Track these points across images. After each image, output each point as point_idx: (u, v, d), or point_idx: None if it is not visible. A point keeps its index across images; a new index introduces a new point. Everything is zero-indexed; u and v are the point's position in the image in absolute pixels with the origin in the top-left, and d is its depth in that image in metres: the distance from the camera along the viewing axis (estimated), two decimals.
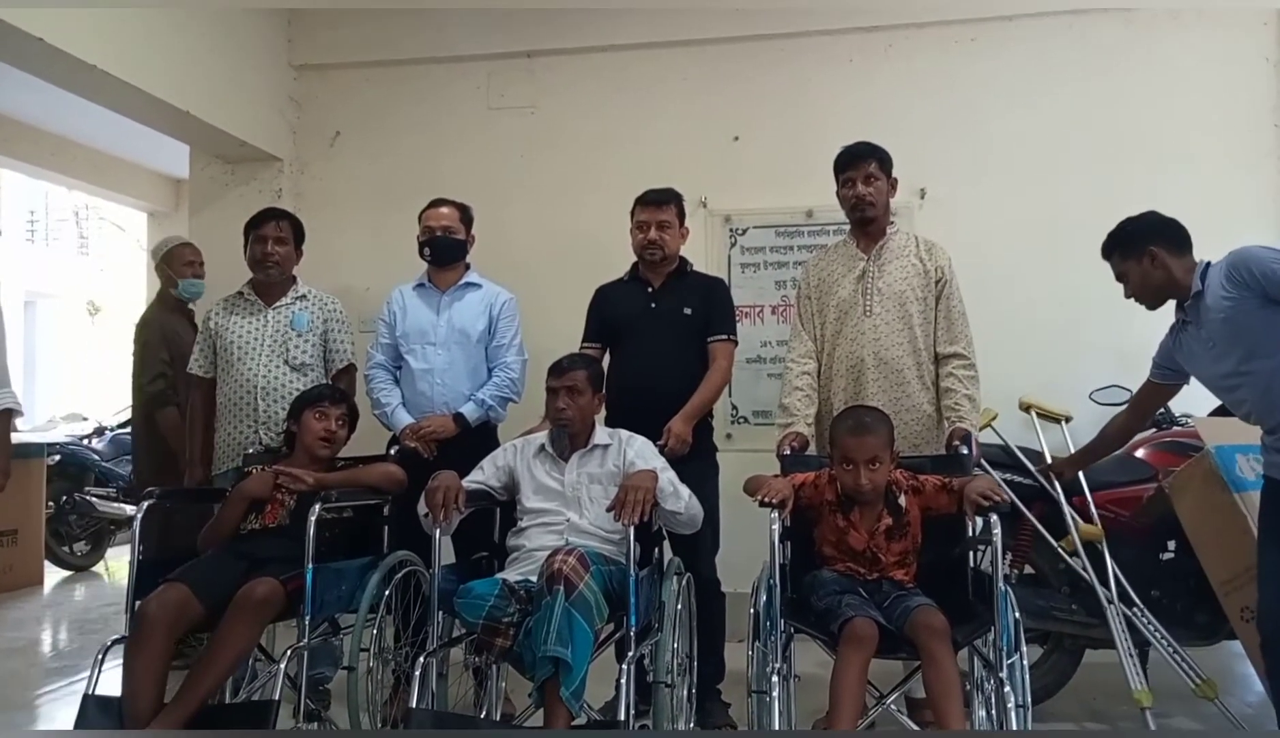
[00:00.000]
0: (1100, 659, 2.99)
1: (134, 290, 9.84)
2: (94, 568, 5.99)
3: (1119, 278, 2.61)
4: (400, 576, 2.64)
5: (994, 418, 3.20)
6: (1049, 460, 3.08)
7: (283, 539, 2.61)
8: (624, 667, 2.17)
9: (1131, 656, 2.84)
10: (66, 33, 3.28)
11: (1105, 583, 2.89)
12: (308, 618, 2.39)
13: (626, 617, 2.26)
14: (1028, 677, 2.21)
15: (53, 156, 6.48)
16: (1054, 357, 3.77)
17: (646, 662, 2.47)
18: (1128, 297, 2.61)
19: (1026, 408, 3.27)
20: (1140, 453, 3.20)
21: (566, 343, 3.12)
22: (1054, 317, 3.90)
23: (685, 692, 2.68)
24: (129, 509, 5.88)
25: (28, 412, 7.75)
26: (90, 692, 2.28)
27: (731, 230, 4.25)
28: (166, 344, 3.78)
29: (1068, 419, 3.29)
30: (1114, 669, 2.88)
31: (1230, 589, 2.72)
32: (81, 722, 2.25)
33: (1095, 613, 2.91)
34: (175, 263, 3.90)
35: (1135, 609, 2.88)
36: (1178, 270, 2.46)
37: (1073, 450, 3.05)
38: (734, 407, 4.16)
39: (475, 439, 3.09)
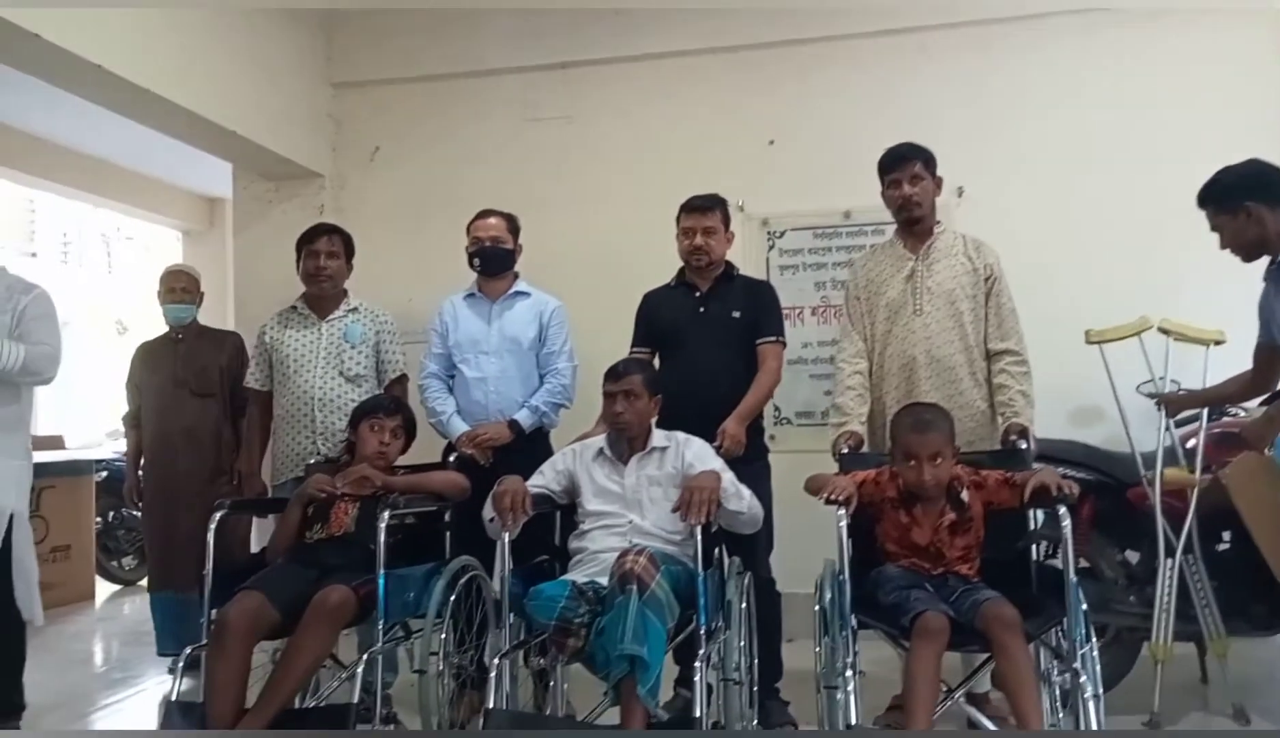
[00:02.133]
0: None
1: (159, 309, 9.96)
2: (141, 582, 6.06)
3: (1214, 229, 2.53)
4: (464, 580, 2.69)
5: (1148, 327, 3.13)
6: (1178, 389, 3.08)
7: (349, 547, 2.66)
8: (697, 666, 2.19)
9: (1167, 610, 2.86)
10: (118, 56, 3.35)
11: (1178, 532, 2.91)
12: (381, 623, 2.43)
13: (696, 616, 2.29)
14: (1098, 668, 2.22)
15: (88, 178, 6.56)
16: (1093, 352, 3.76)
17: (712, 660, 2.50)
18: (1223, 248, 2.55)
19: (1166, 331, 3.18)
20: (1191, 444, 3.20)
21: (608, 349, 3.14)
22: (1092, 313, 3.88)
23: (746, 691, 2.70)
24: None
25: (72, 429, 7.86)
26: (173, 698, 2.34)
27: (769, 233, 4.28)
28: (137, 371, 3.96)
29: (1218, 342, 3.16)
30: (1172, 663, 2.88)
31: None
32: (166, 727, 2.31)
33: (1153, 604, 2.91)
34: (159, 290, 3.94)
35: (1189, 557, 2.91)
36: (1273, 226, 2.38)
37: (1206, 381, 3.04)
38: (777, 408, 4.18)
39: (530, 445, 3.14)
